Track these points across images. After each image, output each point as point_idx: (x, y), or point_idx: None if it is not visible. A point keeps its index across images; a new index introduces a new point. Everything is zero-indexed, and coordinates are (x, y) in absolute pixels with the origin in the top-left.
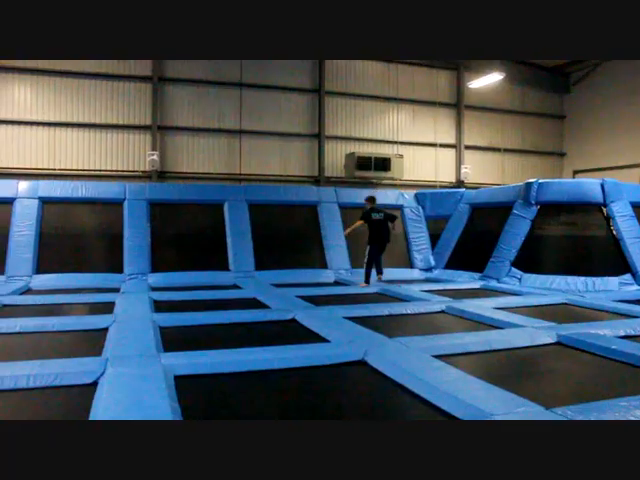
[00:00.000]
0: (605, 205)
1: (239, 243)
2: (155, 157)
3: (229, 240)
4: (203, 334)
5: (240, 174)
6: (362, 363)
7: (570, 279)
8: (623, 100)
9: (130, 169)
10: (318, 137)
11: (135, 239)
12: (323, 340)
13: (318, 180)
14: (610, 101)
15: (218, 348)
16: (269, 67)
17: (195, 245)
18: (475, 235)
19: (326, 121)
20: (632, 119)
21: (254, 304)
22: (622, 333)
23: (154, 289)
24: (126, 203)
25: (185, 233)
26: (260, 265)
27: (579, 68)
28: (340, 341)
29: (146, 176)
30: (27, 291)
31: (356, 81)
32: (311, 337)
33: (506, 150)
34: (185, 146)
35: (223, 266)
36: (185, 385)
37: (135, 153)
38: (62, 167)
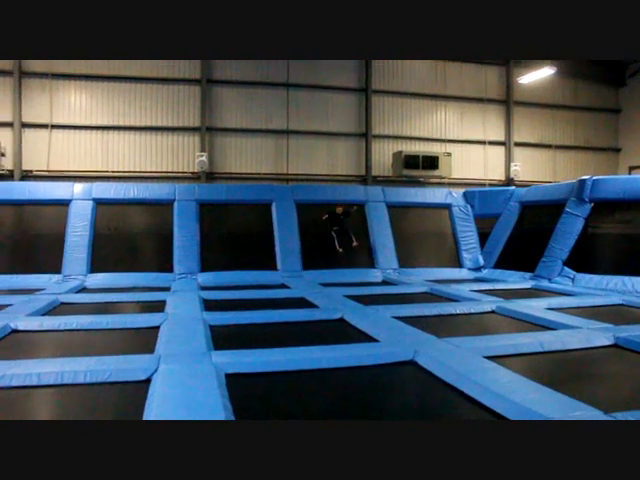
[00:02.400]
0: None
1: (287, 243)
2: (204, 158)
3: (277, 240)
4: (252, 333)
5: (287, 174)
6: (412, 363)
7: (627, 279)
8: None
9: (180, 170)
10: (365, 136)
11: (185, 239)
12: (372, 340)
13: (365, 179)
14: None
15: (267, 347)
16: (316, 67)
17: (243, 245)
18: (525, 234)
19: (373, 120)
20: None
21: (302, 303)
22: None
23: (203, 288)
24: (176, 204)
25: (233, 233)
26: (308, 265)
27: (635, 59)
28: (389, 341)
29: (195, 177)
30: (82, 290)
31: (403, 79)
32: (360, 336)
33: (558, 147)
34: (233, 147)
35: (271, 266)
36: (236, 383)
37: (185, 154)
38: (115, 169)
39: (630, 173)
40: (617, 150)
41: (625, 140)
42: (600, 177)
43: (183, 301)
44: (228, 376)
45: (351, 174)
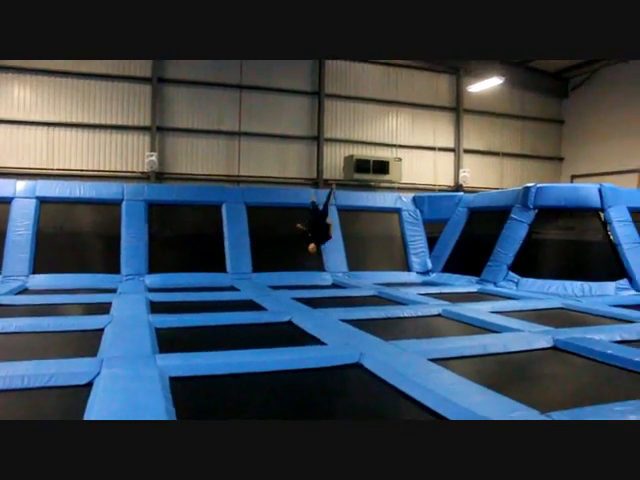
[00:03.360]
0: (602, 210)
1: (236, 245)
2: (154, 158)
3: (227, 242)
4: (199, 336)
5: (239, 176)
6: (358, 366)
7: (567, 284)
8: (621, 105)
9: (129, 170)
10: (317, 140)
11: (132, 240)
12: (319, 342)
13: (316, 182)
14: (608, 106)
15: (214, 350)
16: (269, 69)
17: (192, 247)
18: (473, 239)
19: (325, 124)
20: (630, 124)
21: (251, 306)
22: (618, 338)
23: (151, 290)
24: (124, 204)
25: (183, 234)
26: (257, 267)
27: (578, 73)
28: (336, 344)
29: (144, 177)
30: (24, 291)
31: (356, 84)
32: (307, 339)
33: (505, 154)
34: (184, 147)
35: (220, 268)
36: (180, 386)
37: (134, 154)
38: (60, 167)
39: (572, 181)
40: (560, 159)
41: (568, 150)
42: (543, 185)
43: (129, 303)
44: (173, 379)
45: (302, 177)
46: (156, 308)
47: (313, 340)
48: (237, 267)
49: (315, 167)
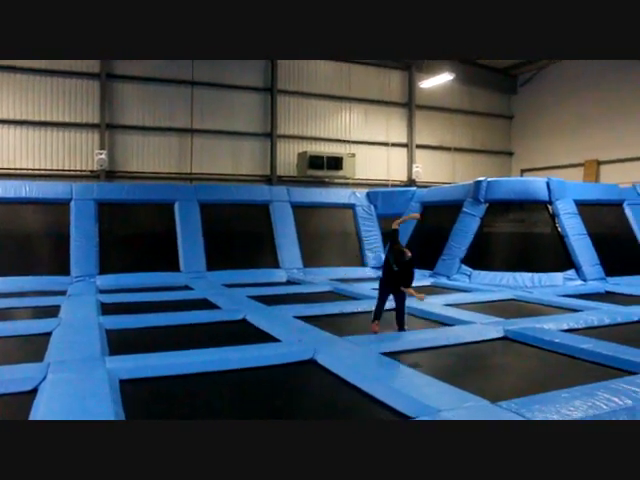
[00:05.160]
0: (550, 203)
1: (190, 243)
2: (103, 156)
3: (180, 240)
4: (151, 336)
5: (191, 174)
6: (312, 362)
7: (518, 275)
8: (566, 102)
9: (77, 168)
10: (270, 136)
11: (82, 240)
12: (273, 340)
13: (270, 179)
14: (554, 102)
15: (166, 350)
16: (221, 66)
17: (145, 246)
18: (426, 233)
19: (278, 120)
20: (575, 120)
21: (205, 305)
22: (565, 327)
23: (102, 291)
24: (73, 203)
25: (135, 234)
26: (212, 265)
27: (525, 70)
28: (290, 340)
29: (94, 176)
30: None
31: (309, 80)
32: (261, 337)
33: (456, 149)
34: (135, 145)
35: (174, 267)
36: (130, 389)
37: (82, 152)
38: (4, 166)
39: (522, 175)
40: (510, 154)
41: (517, 144)
42: (494, 179)
43: (79, 305)
44: (123, 382)
45: (256, 174)
46: (107, 309)
47: (267, 337)
48: (191, 266)
49: (269, 164)
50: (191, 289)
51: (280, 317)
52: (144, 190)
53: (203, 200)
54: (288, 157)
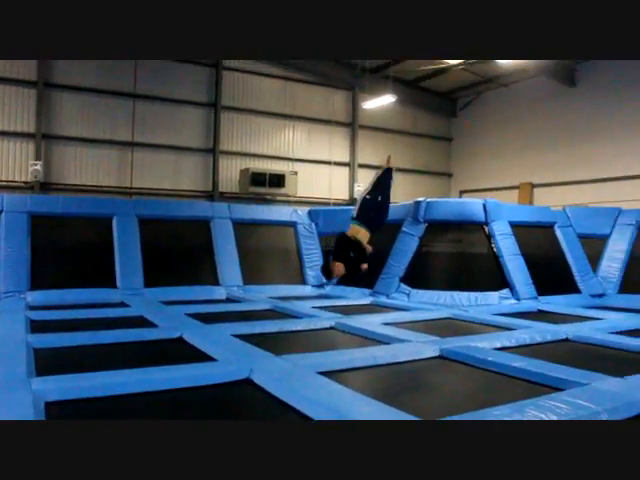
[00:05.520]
0: (487, 224)
1: (127, 259)
2: (38, 167)
3: (117, 256)
4: (83, 356)
5: (131, 188)
6: (247, 381)
7: (455, 294)
8: (503, 127)
9: (9, 179)
10: (213, 152)
11: (13, 254)
12: (209, 359)
13: (212, 195)
14: (491, 126)
15: (97, 370)
16: (164, 79)
17: (80, 261)
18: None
19: (221, 136)
20: (511, 144)
21: (140, 323)
22: (498, 345)
23: (33, 308)
24: (3, 215)
25: (70, 248)
26: (150, 282)
27: (465, 95)
28: (226, 360)
29: (28, 187)
30: None
31: (253, 97)
32: (197, 356)
33: (398, 169)
34: (72, 157)
35: (110, 283)
36: (57, 412)
37: (16, 162)
38: None
39: (460, 196)
40: (449, 175)
41: (456, 166)
42: (433, 199)
43: (6, 323)
44: (49, 404)
45: (198, 190)
46: (37, 327)
47: (203, 357)
48: (128, 282)
49: (211, 180)
50: (127, 306)
51: (218, 335)
52: (81, 203)
53: (142, 215)
54: (230, 173)
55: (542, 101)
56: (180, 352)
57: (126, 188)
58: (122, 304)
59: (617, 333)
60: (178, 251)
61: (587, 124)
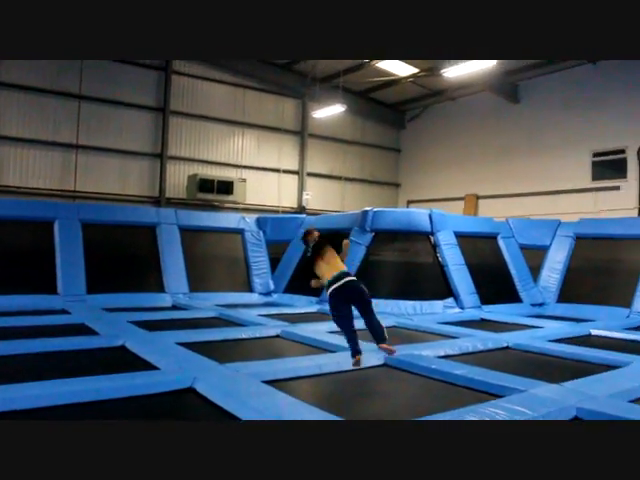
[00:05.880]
0: (432, 234)
1: (69, 265)
2: None
3: (58, 261)
4: (19, 365)
5: (75, 192)
6: (191, 390)
7: (401, 303)
8: (450, 139)
9: None
10: (160, 157)
11: None
12: (152, 367)
13: (158, 201)
14: (437, 139)
15: (34, 380)
16: (111, 81)
17: (19, 266)
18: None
19: (169, 141)
20: (457, 157)
21: (82, 330)
22: (442, 353)
23: None
24: None
25: (7, 253)
26: (92, 289)
27: (412, 107)
28: (169, 368)
29: None
30: None
31: (202, 102)
32: (140, 365)
33: (347, 179)
34: (12, 157)
35: (50, 289)
36: None
37: None
38: None
39: (408, 206)
40: (397, 185)
41: (404, 177)
42: (380, 209)
43: None
44: None
45: (144, 195)
46: None
47: (146, 365)
48: (70, 288)
49: (158, 185)
50: (68, 313)
51: (162, 344)
52: (20, 206)
53: (86, 220)
54: (178, 179)
55: (487, 116)
56: (122, 361)
57: (69, 192)
58: (63, 311)
59: (555, 341)
60: (122, 257)
61: (527, 139)
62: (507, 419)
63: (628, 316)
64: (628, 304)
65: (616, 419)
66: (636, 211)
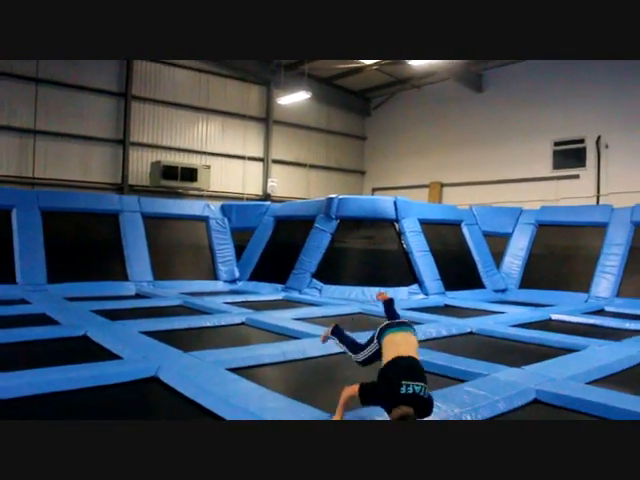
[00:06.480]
0: (397, 221)
1: (29, 253)
2: None
3: (17, 250)
4: None
5: (34, 178)
6: (154, 380)
7: (366, 289)
8: (414, 127)
9: None
10: (123, 143)
11: None
12: (115, 357)
13: (121, 188)
14: (402, 127)
15: None
16: (71, 65)
17: None
18: (279, 247)
19: (132, 127)
20: (422, 144)
21: (42, 320)
22: None
23: None
24: None
25: None
26: (54, 278)
27: (378, 94)
28: (133, 357)
29: None
30: None
31: (165, 88)
32: (103, 354)
33: (312, 166)
34: None
35: (9, 279)
36: None
37: None
38: None
39: (373, 194)
40: (363, 172)
41: (369, 164)
42: (345, 196)
43: None
44: None
45: (106, 182)
46: None
47: (109, 355)
48: (29, 277)
49: (120, 172)
50: (28, 303)
51: (125, 333)
52: None
53: (46, 207)
54: (141, 166)
55: (452, 104)
56: (84, 351)
57: (28, 178)
58: (22, 301)
59: (517, 326)
60: (84, 245)
61: (491, 128)
62: (471, 403)
63: (586, 301)
64: (587, 289)
65: (574, 400)
66: (594, 199)
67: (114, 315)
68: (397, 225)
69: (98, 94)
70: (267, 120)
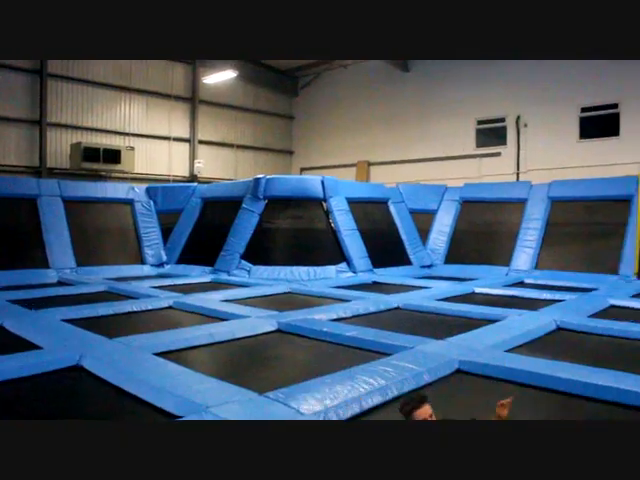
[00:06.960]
0: (325, 200)
1: None
2: None
3: None
4: None
5: None
6: (78, 368)
7: (295, 269)
8: (341, 106)
9: None
10: (39, 124)
11: None
12: (35, 347)
13: (39, 171)
14: (330, 106)
15: None
16: None
17: None
18: (207, 229)
19: (49, 107)
20: (349, 124)
21: None
22: (334, 316)
23: None
24: None
25: None
26: None
27: (305, 73)
28: (53, 347)
29: None
30: None
31: (84, 66)
32: (21, 345)
33: (239, 146)
34: None
35: None
36: None
37: None
38: None
39: (301, 174)
40: (291, 152)
41: (297, 144)
42: (273, 176)
43: None
44: None
45: (22, 165)
46: None
47: (27, 345)
48: None
49: (37, 154)
50: None
51: (45, 322)
52: None
53: None
54: (60, 148)
55: (378, 84)
56: (1, 342)
57: None
58: None
59: (442, 300)
60: (1, 232)
61: (417, 107)
62: (396, 376)
63: (507, 274)
64: (508, 262)
65: (494, 368)
66: (514, 176)
67: (33, 304)
68: (325, 204)
69: (10, 70)
70: (193, 100)
